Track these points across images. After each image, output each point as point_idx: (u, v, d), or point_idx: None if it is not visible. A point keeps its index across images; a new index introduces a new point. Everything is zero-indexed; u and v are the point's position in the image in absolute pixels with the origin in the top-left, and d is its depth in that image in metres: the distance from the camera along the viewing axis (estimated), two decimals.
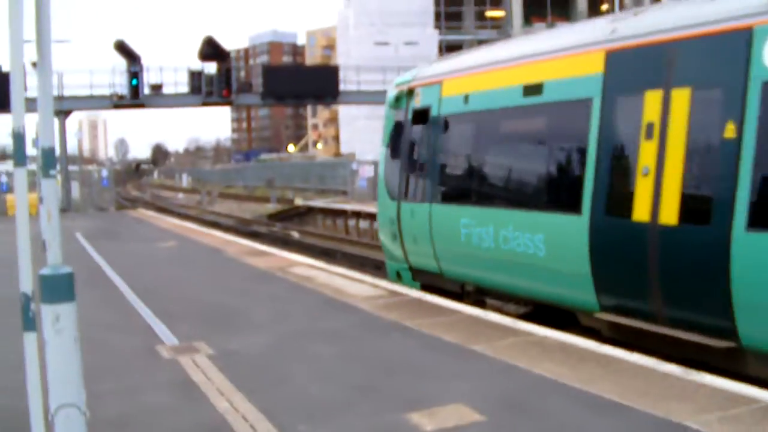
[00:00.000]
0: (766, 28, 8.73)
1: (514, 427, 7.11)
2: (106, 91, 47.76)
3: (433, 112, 15.14)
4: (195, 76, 48.70)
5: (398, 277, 16.50)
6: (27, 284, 5.88)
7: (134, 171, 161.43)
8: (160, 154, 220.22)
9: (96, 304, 13.73)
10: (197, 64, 49.06)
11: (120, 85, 47.56)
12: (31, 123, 6.10)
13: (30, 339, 5.90)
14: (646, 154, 10.00)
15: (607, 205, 10.66)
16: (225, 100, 49.07)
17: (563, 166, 11.96)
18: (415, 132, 15.84)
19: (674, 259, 9.62)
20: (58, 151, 45.22)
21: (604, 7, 65.96)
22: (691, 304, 9.56)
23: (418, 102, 15.84)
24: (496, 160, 13.81)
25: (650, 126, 9.99)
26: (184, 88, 48.99)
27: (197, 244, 24.42)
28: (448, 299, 13.44)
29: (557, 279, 11.61)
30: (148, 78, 48.22)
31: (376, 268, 22.92)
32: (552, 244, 11.60)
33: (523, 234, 12.17)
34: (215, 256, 21.07)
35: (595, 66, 11.01)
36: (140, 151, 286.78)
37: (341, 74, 50.91)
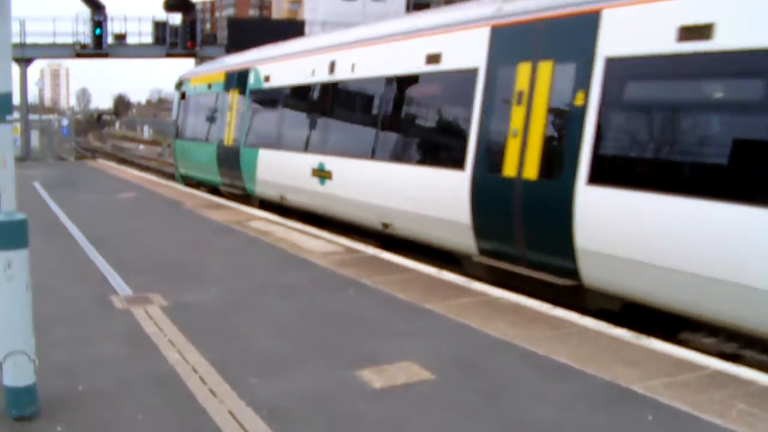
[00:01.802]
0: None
1: (464, 385, 7.18)
2: (69, 40, 47.14)
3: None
4: (159, 27, 48.21)
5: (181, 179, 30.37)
6: None
7: (96, 121, 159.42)
8: (122, 105, 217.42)
9: (50, 252, 13.63)
10: (162, 15, 48.60)
11: (83, 34, 46.96)
12: None
13: None
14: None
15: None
16: (189, 52, 48.56)
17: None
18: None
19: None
20: (18, 100, 44.95)
21: None
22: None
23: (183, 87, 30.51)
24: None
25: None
26: (148, 39, 48.51)
27: (156, 196, 24.26)
28: (405, 257, 13.52)
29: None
30: (112, 27, 47.85)
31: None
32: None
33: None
34: (173, 208, 20.95)
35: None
36: (103, 101, 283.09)
37: (307, 29, 50.56)
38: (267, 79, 21.97)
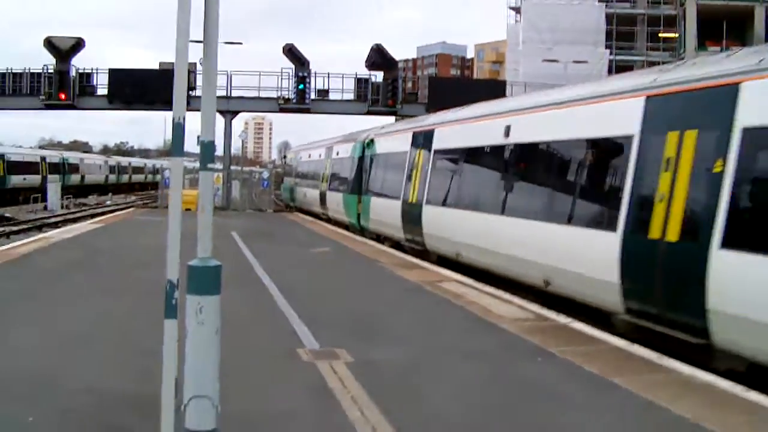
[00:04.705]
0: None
1: None
2: (273, 94, 48.82)
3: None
4: (361, 84, 49.25)
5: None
6: (173, 272, 5.91)
7: None
8: None
9: (242, 300, 13.87)
10: (365, 72, 49.68)
11: (287, 89, 48.54)
12: (197, 122, 6.20)
13: (170, 326, 5.93)
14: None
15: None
16: (390, 109, 49.35)
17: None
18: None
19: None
20: (222, 151, 46.62)
21: None
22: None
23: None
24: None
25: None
26: (350, 95, 49.59)
27: (350, 252, 24.57)
28: (597, 328, 13.07)
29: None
30: (315, 83, 49.05)
31: None
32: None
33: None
34: (366, 265, 21.14)
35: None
36: None
37: (509, 89, 50.59)
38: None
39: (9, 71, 47.86)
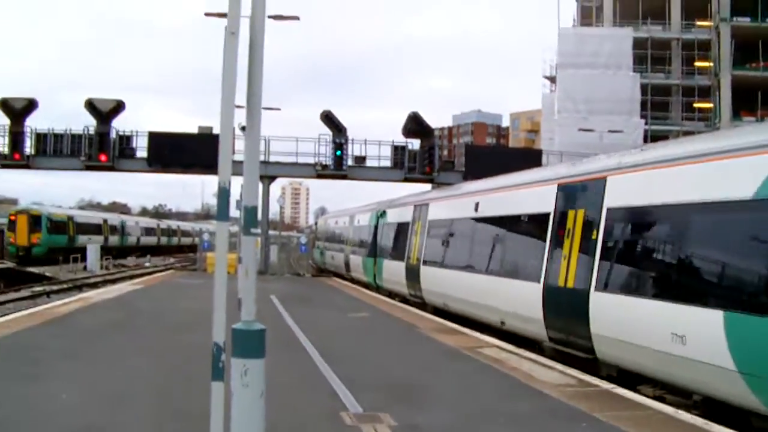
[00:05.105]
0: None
1: None
2: (311, 160, 49.11)
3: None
4: (398, 151, 49.43)
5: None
6: (220, 335, 5.96)
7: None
8: None
9: (285, 364, 13.85)
10: (401, 139, 49.90)
11: (324, 154, 48.80)
12: (237, 186, 6.27)
13: (217, 388, 5.96)
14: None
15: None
16: (426, 177, 49.40)
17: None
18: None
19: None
20: (260, 215, 46.94)
21: None
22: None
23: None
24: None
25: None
26: (386, 162, 49.77)
27: (388, 317, 24.54)
28: (641, 395, 12.92)
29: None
30: (352, 149, 49.30)
31: None
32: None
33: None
34: (405, 330, 21.10)
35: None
36: None
37: (544, 158, 50.53)
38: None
39: (51, 132, 48.39)
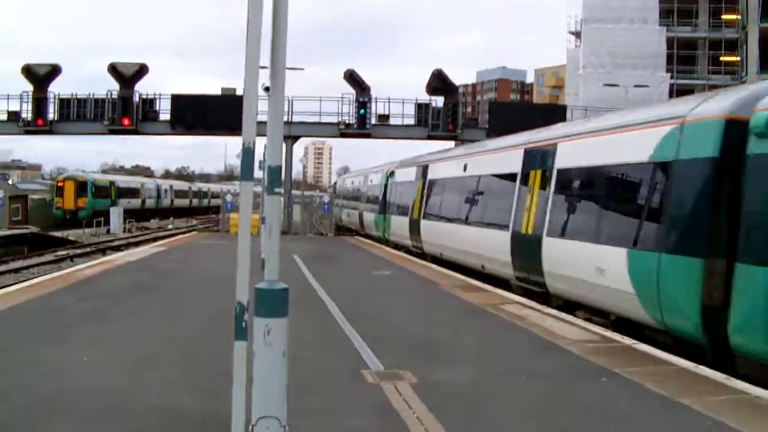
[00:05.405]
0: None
1: None
2: (334, 119, 49.05)
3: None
4: (422, 109, 49.27)
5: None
6: (243, 294, 6.02)
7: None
8: None
9: (307, 323, 13.97)
10: (424, 97, 49.74)
11: (347, 114, 48.72)
12: (260, 147, 6.30)
13: (240, 347, 6.03)
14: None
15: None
16: (450, 134, 49.26)
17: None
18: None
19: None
20: (283, 175, 47.11)
21: None
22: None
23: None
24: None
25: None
26: (410, 121, 49.65)
27: (411, 274, 24.64)
28: (661, 351, 12.98)
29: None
30: (376, 108, 49.18)
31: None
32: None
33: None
34: (428, 288, 21.20)
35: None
36: None
37: (569, 114, 50.23)
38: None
39: (74, 97, 48.61)
